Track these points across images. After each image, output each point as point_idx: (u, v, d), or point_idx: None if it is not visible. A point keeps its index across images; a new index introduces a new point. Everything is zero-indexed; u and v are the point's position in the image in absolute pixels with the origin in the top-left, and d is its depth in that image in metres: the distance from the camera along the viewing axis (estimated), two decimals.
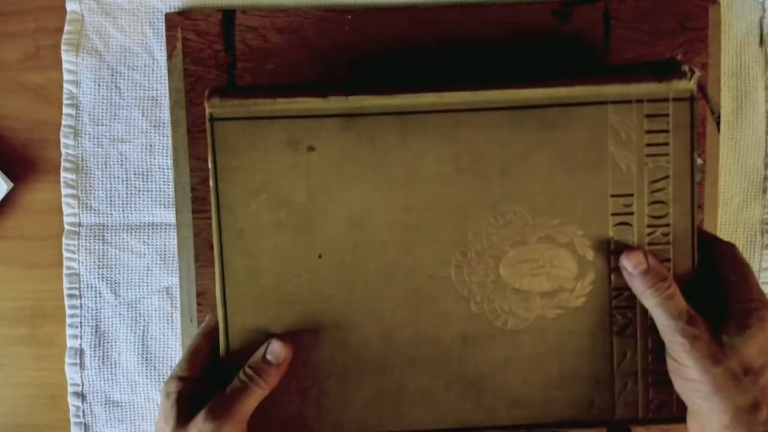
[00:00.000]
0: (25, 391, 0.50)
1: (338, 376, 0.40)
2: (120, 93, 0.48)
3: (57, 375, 0.49)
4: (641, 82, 0.39)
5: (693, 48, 0.45)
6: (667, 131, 0.39)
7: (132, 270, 0.48)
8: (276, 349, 0.38)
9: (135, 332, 0.49)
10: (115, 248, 0.48)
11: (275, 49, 0.46)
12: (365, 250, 0.40)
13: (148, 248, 0.48)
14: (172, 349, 0.49)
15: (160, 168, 0.48)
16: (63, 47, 0.47)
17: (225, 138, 0.39)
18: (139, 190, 0.48)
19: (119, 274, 0.48)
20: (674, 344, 0.37)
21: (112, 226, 0.48)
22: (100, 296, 0.49)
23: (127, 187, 0.48)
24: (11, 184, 0.48)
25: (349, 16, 0.46)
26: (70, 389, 0.49)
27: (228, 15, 0.46)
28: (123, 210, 0.48)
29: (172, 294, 0.48)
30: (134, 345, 0.49)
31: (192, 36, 0.46)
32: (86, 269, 0.48)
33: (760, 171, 0.47)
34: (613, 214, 0.40)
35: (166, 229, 0.48)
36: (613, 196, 0.39)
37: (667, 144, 0.39)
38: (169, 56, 0.46)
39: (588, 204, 0.40)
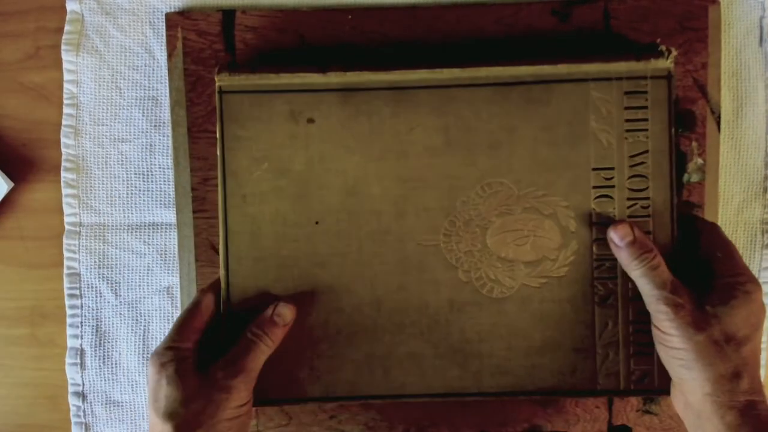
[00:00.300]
0: (25, 391, 0.50)
1: (331, 339, 0.42)
2: (120, 93, 0.48)
3: (57, 375, 0.49)
4: (621, 60, 0.41)
5: (693, 48, 0.45)
6: (645, 108, 0.41)
7: (132, 270, 0.48)
8: (283, 311, 0.41)
9: (135, 332, 0.49)
10: (116, 248, 0.48)
11: (275, 49, 0.46)
12: (359, 218, 0.42)
13: (149, 248, 0.48)
14: None
15: (160, 168, 0.48)
16: (63, 47, 0.47)
17: (232, 109, 0.41)
18: (140, 190, 0.48)
19: (120, 273, 0.48)
20: (658, 313, 0.38)
21: (112, 225, 0.48)
22: (101, 296, 0.49)
23: (127, 187, 0.48)
24: (11, 184, 0.48)
25: (349, 16, 0.46)
26: (70, 389, 0.49)
27: (228, 15, 0.46)
28: (123, 210, 0.48)
29: (172, 294, 0.48)
30: (135, 345, 0.49)
31: (192, 36, 0.46)
32: (87, 269, 0.48)
33: (760, 171, 0.47)
34: (595, 187, 0.42)
35: (166, 228, 0.48)
36: (594, 169, 0.42)
37: (645, 120, 0.41)
38: (170, 56, 0.46)
39: (571, 177, 0.42)
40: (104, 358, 0.49)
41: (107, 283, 0.48)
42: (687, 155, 0.46)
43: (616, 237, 0.40)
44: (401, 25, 0.46)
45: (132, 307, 0.49)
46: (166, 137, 0.48)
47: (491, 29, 0.46)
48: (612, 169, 0.42)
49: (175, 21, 0.46)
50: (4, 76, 0.48)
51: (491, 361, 0.42)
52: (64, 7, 0.47)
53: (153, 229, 0.48)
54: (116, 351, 0.49)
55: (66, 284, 0.48)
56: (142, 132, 0.48)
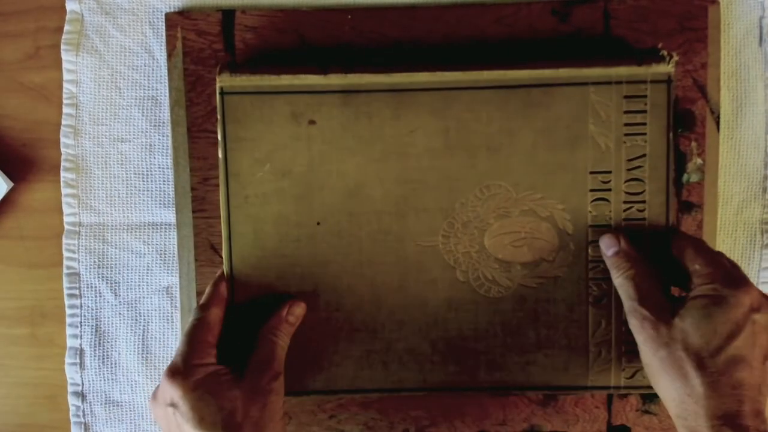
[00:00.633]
0: (25, 391, 0.50)
1: (332, 336, 0.43)
2: (120, 93, 0.48)
3: (57, 375, 0.49)
4: (622, 65, 0.41)
5: (693, 48, 0.45)
6: (644, 112, 0.41)
7: (132, 270, 0.48)
8: (296, 311, 0.42)
9: (135, 332, 0.49)
10: (116, 248, 0.48)
11: (275, 49, 0.46)
12: (360, 218, 0.43)
13: (148, 248, 0.48)
14: (172, 348, 0.49)
15: (160, 168, 0.48)
16: (63, 47, 0.47)
17: (233, 110, 0.42)
18: (139, 190, 0.48)
19: (119, 273, 0.48)
20: (629, 324, 0.38)
21: (112, 225, 0.48)
22: (100, 296, 0.49)
23: (127, 187, 0.48)
24: (11, 184, 0.48)
25: (349, 16, 0.46)
26: (70, 389, 0.49)
27: (228, 15, 0.46)
28: (123, 210, 0.48)
29: (172, 294, 0.48)
30: (134, 345, 0.49)
31: (192, 36, 0.46)
32: (86, 269, 0.48)
33: (760, 171, 0.47)
34: (592, 190, 0.42)
35: (166, 228, 0.48)
36: (592, 173, 0.42)
37: (644, 124, 0.42)
38: (169, 56, 0.46)
39: (569, 180, 0.42)
40: (104, 358, 0.49)
41: (107, 283, 0.48)
42: (686, 155, 0.46)
43: (603, 245, 0.41)
44: (401, 25, 0.46)
45: (131, 307, 0.49)
46: (165, 137, 0.48)
47: (491, 29, 0.45)
48: (609, 172, 0.42)
49: (174, 21, 0.46)
50: (4, 76, 0.48)
51: (487, 358, 0.43)
52: (64, 7, 0.47)
53: (152, 229, 0.48)
54: (116, 351, 0.49)
55: (65, 284, 0.48)
56: (142, 132, 0.48)
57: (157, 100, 0.48)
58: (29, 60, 0.48)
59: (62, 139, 0.48)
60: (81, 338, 0.49)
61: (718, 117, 0.46)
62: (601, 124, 0.42)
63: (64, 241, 0.48)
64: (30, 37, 0.48)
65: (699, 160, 0.46)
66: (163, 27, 0.46)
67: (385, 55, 0.45)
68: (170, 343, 0.49)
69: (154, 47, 0.47)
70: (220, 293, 0.42)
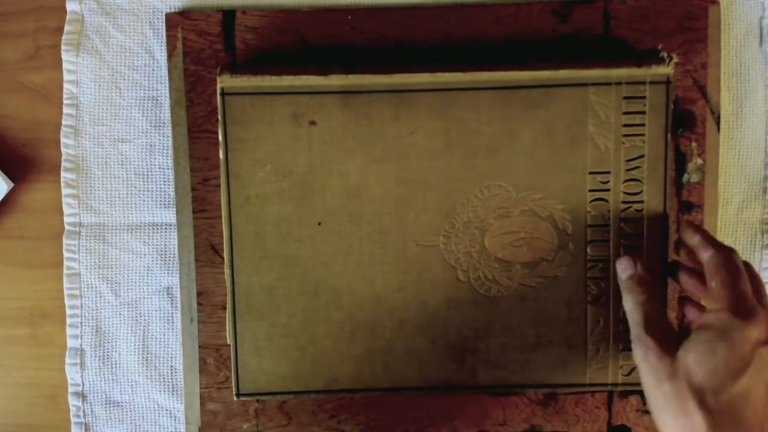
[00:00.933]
0: (25, 391, 0.50)
1: (333, 335, 0.44)
2: (120, 93, 0.48)
3: (57, 375, 0.49)
4: (622, 66, 0.41)
5: (693, 48, 0.45)
6: (643, 113, 0.42)
7: (132, 270, 0.48)
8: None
9: (135, 332, 0.49)
10: (116, 248, 0.48)
11: (275, 49, 0.46)
12: (360, 219, 0.43)
13: (149, 248, 0.48)
14: (172, 349, 0.49)
15: (160, 168, 0.48)
16: (63, 47, 0.47)
17: (234, 111, 0.42)
18: (140, 190, 0.48)
19: (119, 274, 0.48)
20: (633, 353, 0.37)
21: (112, 226, 0.48)
22: (101, 296, 0.49)
23: (127, 187, 0.48)
24: (11, 184, 0.48)
25: (349, 16, 0.46)
26: (70, 389, 0.49)
27: (228, 15, 0.46)
28: (123, 210, 0.48)
29: (172, 294, 0.48)
30: (134, 345, 0.49)
31: (192, 36, 0.46)
32: (86, 269, 0.48)
33: (760, 171, 0.47)
34: (591, 190, 0.43)
35: (166, 229, 0.48)
36: (591, 173, 0.42)
37: (643, 125, 0.42)
38: (170, 56, 0.46)
39: (568, 180, 0.42)
40: (104, 359, 0.49)
41: (107, 283, 0.48)
42: (687, 155, 0.46)
43: (620, 268, 0.41)
44: (401, 25, 0.46)
45: (132, 307, 0.49)
46: (166, 137, 0.48)
47: (491, 29, 0.45)
48: (608, 173, 0.42)
49: (175, 21, 0.46)
50: (4, 76, 0.48)
51: (486, 357, 0.44)
52: (64, 7, 0.47)
53: (153, 229, 0.48)
54: (116, 351, 0.49)
55: (66, 284, 0.48)
56: (142, 132, 0.48)
57: (157, 100, 0.48)
58: (29, 60, 0.48)
59: (62, 140, 0.48)
60: (81, 338, 0.49)
61: (719, 117, 0.46)
62: (600, 124, 0.42)
63: (65, 241, 0.48)
64: (30, 37, 0.48)
65: (699, 161, 0.46)
66: (164, 27, 0.46)
67: (385, 55, 0.45)
68: (170, 343, 0.49)
69: (155, 47, 0.47)
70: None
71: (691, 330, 0.36)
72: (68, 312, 0.49)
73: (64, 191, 0.48)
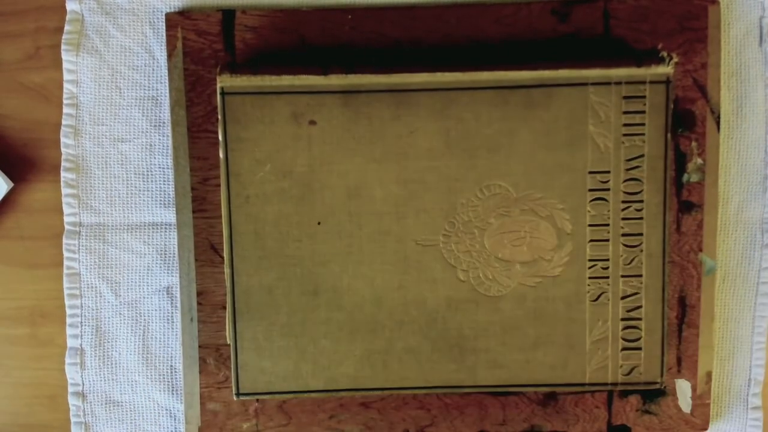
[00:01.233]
0: (25, 391, 0.50)
1: (332, 335, 0.44)
2: (120, 93, 0.48)
3: (57, 375, 0.49)
4: (621, 66, 0.41)
5: (693, 48, 0.45)
6: (643, 112, 0.42)
7: (132, 270, 0.48)
8: None
9: (135, 332, 0.49)
10: (116, 248, 0.48)
11: (275, 49, 0.46)
12: (360, 218, 0.43)
13: (149, 248, 0.48)
14: (173, 348, 0.49)
15: (160, 168, 0.48)
16: (63, 47, 0.47)
17: (234, 111, 0.42)
18: (140, 190, 0.48)
19: (119, 273, 0.48)
20: None
21: (112, 225, 0.48)
22: (101, 296, 0.49)
23: (127, 187, 0.48)
24: (11, 184, 0.48)
25: (349, 16, 0.46)
26: (70, 389, 0.49)
27: (228, 15, 0.46)
28: (123, 210, 0.48)
29: (172, 294, 0.48)
30: (134, 345, 0.49)
31: (192, 36, 0.46)
32: (86, 269, 0.48)
33: (760, 171, 0.47)
34: (591, 190, 0.43)
35: (166, 228, 0.48)
36: (591, 172, 0.42)
37: (643, 124, 0.42)
38: (169, 56, 0.46)
39: (568, 180, 0.42)
40: (104, 358, 0.49)
41: (107, 283, 0.48)
42: (687, 155, 0.46)
43: None
44: (401, 25, 0.46)
45: (132, 307, 0.49)
46: (165, 137, 0.48)
47: (491, 29, 0.46)
48: (608, 172, 0.42)
49: (175, 21, 0.46)
50: (4, 76, 0.48)
51: (487, 356, 0.44)
52: (64, 7, 0.47)
53: (153, 229, 0.48)
54: (116, 351, 0.49)
55: (66, 284, 0.48)
56: (142, 132, 0.48)
57: (157, 100, 0.48)
58: (29, 60, 0.48)
59: (62, 139, 0.48)
60: (81, 338, 0.49)
61: (719, 117, 0.46)
62: (600, 124, 0.42)
63: (65, 241, 0.48)
64: (30, 37, 0.48)
65: (699, 160, 0.46)
66: (164, 27, 0.46)
67: (385, 55, 0.46)
68: (170, 343, 0.49)
69: (155, 47, 0.47)
70: None
71: None
72: (68, 312, 0.49)
73: (64, 191, 0.48)
